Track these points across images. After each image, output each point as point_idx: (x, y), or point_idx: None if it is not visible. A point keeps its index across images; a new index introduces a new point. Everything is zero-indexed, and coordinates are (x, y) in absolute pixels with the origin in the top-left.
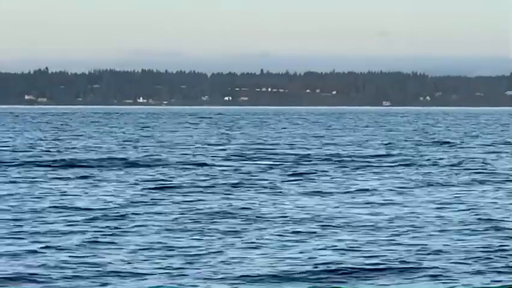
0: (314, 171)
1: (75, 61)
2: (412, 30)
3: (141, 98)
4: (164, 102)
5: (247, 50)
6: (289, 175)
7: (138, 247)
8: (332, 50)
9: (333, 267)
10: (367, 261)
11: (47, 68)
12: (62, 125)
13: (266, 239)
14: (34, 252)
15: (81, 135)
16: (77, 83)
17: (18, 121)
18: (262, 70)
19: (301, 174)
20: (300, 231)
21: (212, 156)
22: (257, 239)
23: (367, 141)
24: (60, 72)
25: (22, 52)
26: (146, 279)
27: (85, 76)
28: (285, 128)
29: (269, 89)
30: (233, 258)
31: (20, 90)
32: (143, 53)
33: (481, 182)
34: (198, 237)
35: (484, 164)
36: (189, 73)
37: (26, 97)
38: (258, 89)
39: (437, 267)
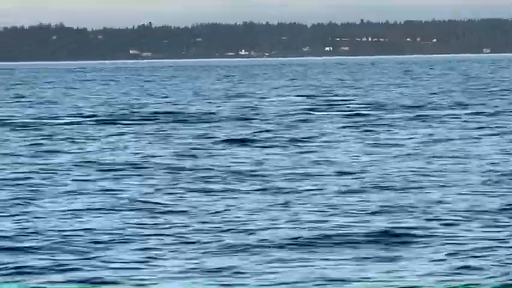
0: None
1: (177, 15)
2: None
3: (243, 51)
4: (266, 54)
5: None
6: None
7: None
8: None
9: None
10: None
11: (150, 22)
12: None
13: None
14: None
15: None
16: (180, 37)
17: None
18: (362, 20)
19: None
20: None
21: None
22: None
23: None
24: (163, 26)
25: (126, 7)
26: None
27: (187, 30)
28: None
29: (369, 39)
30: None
31: (125, 45)
32: (244, 5)
33: None
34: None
35: None
36: (290, 24)
37: (131, 52)
38: (358, 39)
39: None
